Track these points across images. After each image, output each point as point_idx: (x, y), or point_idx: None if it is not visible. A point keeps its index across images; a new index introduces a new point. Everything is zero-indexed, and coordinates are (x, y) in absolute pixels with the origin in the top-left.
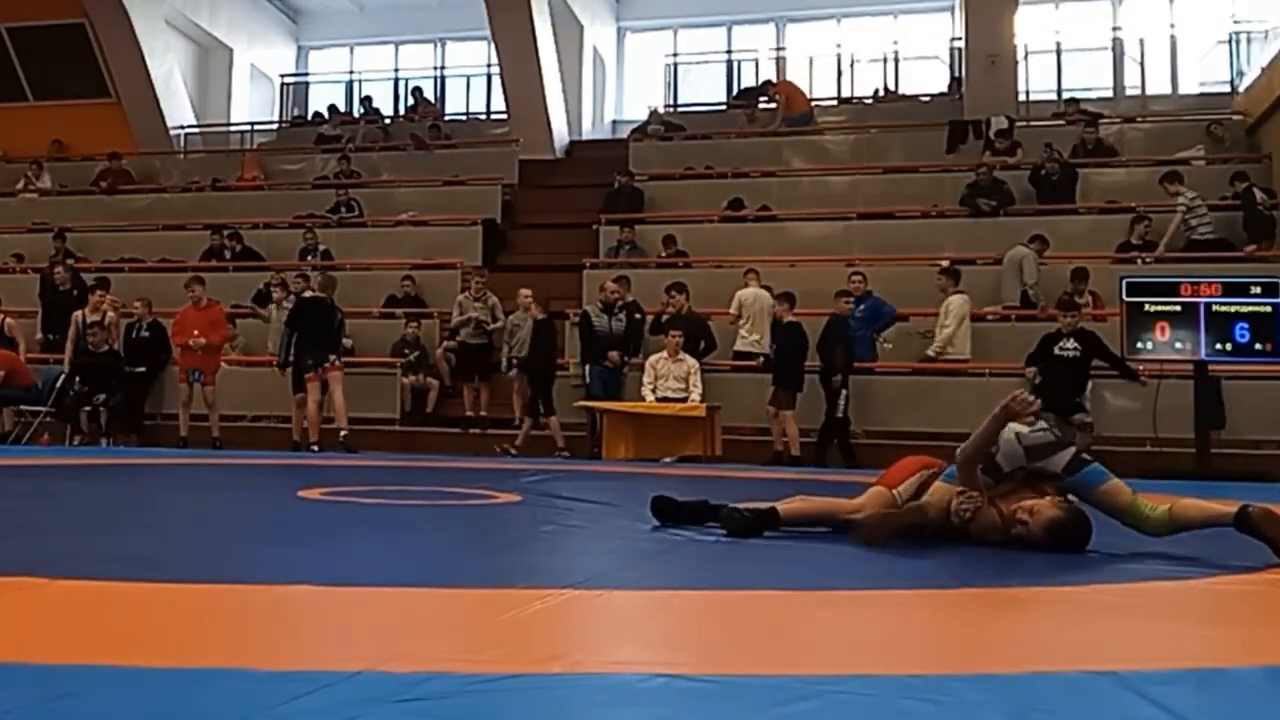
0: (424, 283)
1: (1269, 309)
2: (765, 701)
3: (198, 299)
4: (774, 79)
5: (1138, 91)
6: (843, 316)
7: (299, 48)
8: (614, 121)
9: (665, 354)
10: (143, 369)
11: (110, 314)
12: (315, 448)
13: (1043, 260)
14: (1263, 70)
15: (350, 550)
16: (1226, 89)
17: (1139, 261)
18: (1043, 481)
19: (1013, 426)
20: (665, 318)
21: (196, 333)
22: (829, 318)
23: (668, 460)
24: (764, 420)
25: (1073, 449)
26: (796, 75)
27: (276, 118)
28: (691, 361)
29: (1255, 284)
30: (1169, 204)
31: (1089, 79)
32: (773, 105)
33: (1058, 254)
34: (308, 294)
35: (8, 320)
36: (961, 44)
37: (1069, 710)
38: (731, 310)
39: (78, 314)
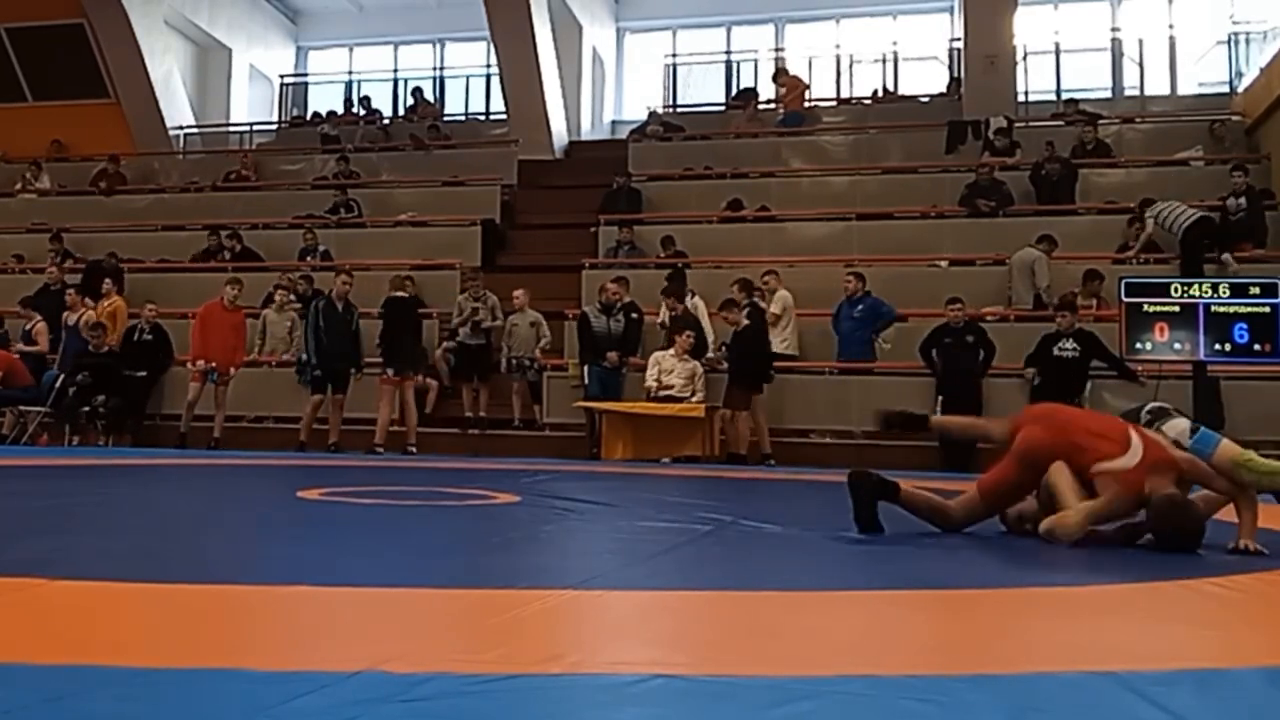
0: (424, 283)
1: (1268, 309)
2: (765, 701)
3: (231, 300)
4: (786, 69)
5: (1136, 92)
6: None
7: (298, 48)
8: (613, 122)
9: (672, 351)
10: (144, 373)
11: (89, 313)
12: (413, 449)
13: (1046, 260)
14: (1261, 70)
15: (350, 550)
16: (1225, 89)
17: (1131, 262)
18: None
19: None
20: (672, 315)
21: (233, 370)
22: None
23: (666, 460)
24: (780, 421)
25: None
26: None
27: (276, 118)
28: (696, 363)
29: (1254, 284)
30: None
31: (1088, 79)
32: (771, 104)
33: (1058, 254)
34: (398, 294)
35: (37, 326)
36: (960, 44)
37: (1069, 710)
38: (775, 310)
39: (76, 314)
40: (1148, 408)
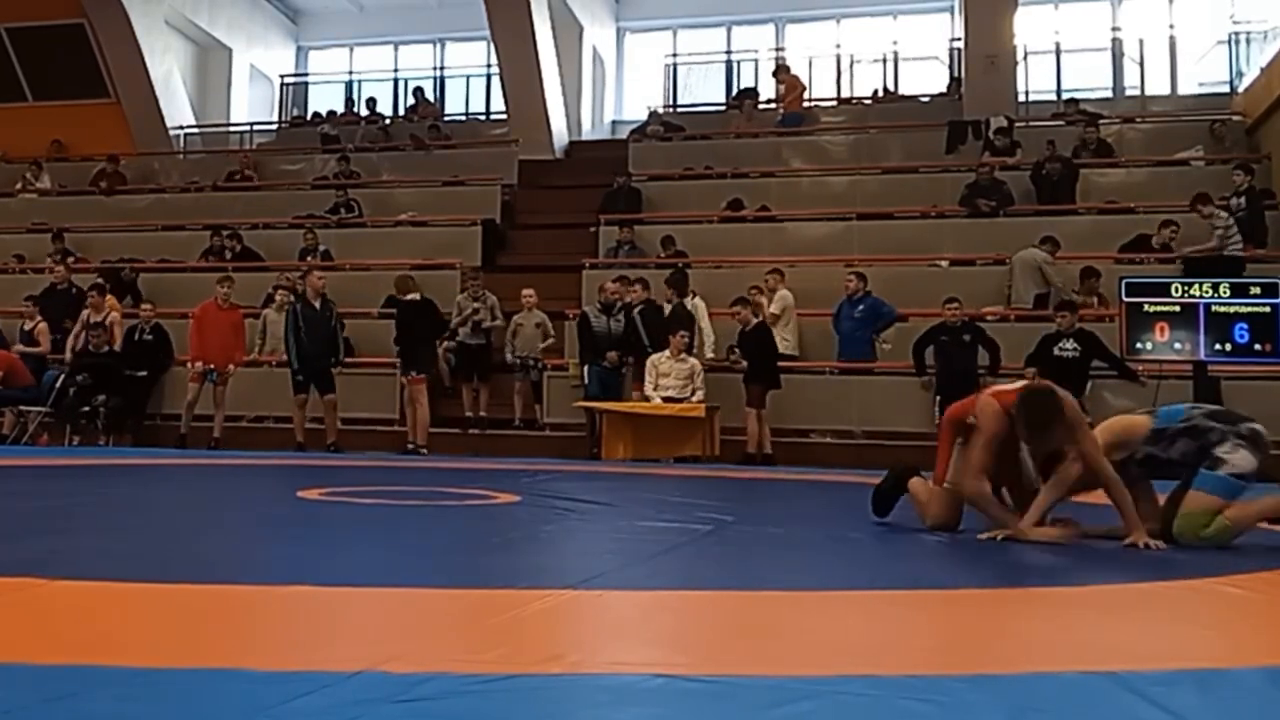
0: (424, 283)
1: (1268, 309)
2: (765, 701)
3: (224, 299)
4: (787, 65)
5: (1137, 92)
6: None
7: (298, 48)
8: (613, 122)
9: (667, 353)
10: (144, 373)
11: (114, 314)
12: (424, 450)
13: (1052, 261)
14: (1262, 70)
15: (350, 550)
16: (1226, 89)
17: (1142, 262)
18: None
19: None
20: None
21: (232, 369)
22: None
23: (672, 461)
24: (780, 421)
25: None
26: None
27: (276, 118)
28: (694, 361)
29: (1255, 284)
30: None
31: (1088, 79)
32: (771, 104)
33: (1058, 254)
34: (410, 296)
35: (39, 326)
36: (961, 44)
37: (1069, 710)
38: (775, 310)
39: (101, 315)
40: (1232, 426)
